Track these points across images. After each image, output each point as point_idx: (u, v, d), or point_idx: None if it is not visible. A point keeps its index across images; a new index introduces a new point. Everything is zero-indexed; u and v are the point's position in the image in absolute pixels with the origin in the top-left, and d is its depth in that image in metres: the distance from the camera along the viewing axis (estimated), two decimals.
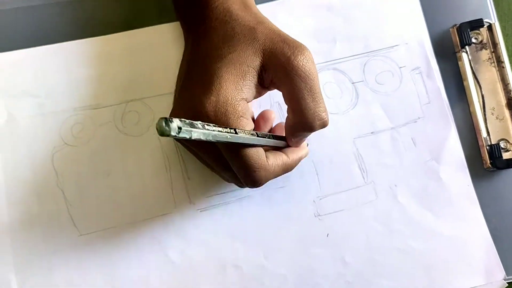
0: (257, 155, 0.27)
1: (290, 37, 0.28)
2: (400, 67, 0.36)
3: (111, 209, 0.33)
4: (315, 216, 0.34)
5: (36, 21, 0.35)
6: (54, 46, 0.35)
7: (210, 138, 0.23)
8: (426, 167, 0.35)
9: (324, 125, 0.28)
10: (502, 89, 0.36)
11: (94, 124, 0.34)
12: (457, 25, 0.36)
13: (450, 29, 0.36)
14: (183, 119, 0.21)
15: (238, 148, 0.27)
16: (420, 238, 0.34)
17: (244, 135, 0.25)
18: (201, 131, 0.22)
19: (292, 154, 0.31)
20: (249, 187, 0.29)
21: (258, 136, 0.27)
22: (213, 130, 0.23)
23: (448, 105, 0.36)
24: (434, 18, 0.37)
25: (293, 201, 0.34)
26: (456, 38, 0.36)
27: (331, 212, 0.34)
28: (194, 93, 0.28)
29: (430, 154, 0.35)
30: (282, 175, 0.31)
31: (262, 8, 0.32)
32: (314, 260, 0.33)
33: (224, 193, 0.34)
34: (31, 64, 0.34)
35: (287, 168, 0.30)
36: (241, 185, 0.30)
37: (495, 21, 0.36)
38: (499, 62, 0.36)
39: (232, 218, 0.34)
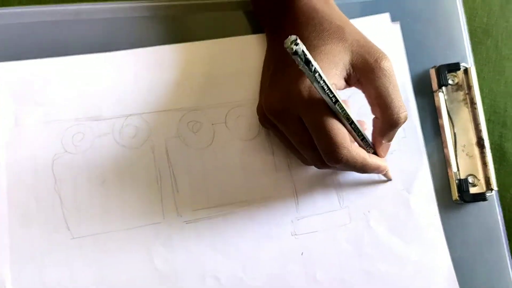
0: (344, 136, 0.31)
1: (372, 43, 0.32)
2: None
3: (103, 216, 0.36)
4: (292, 235, 0.36)
5: (46, 34, 0.38)
6: (60, 59, 0.37)
7: (322, 78, 0.28)
8: (398, 196, 0.37)
9: (406, 117, 0.32)
10: (474, 128, 0.38)
11: (94, 134, 0.37)
12: (436, 67, 0.39)
13: (430, 70, 0.39)
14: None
15: (327, 126, 0.30)
16: (388, 262, 0.36)
17: (342, 104, 0.29)
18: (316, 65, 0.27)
19: (373, 158, 0.34)
20: (330, 164, 0.32)
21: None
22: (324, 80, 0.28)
23: (422, 140, 0.38)
24: (416, 58, 0.40)
25: (273, 220, 0.36)
26: (434, 79, 0.39)
27: (307, 232, 0.36)
28: (288, 79, 0.31)
29: (402, 184, 0.38)
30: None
31: None
32: (289, 276, 0.36)
33: (210, 208, 0.36)
34: (38, 75, 0.37)
35: (365, 165, 0.33)
36: (321, 165, 0.34)
37: (471, 65, 0.39)
38: (472, 104, 0.39)
39: (215, 231, 0.36)
